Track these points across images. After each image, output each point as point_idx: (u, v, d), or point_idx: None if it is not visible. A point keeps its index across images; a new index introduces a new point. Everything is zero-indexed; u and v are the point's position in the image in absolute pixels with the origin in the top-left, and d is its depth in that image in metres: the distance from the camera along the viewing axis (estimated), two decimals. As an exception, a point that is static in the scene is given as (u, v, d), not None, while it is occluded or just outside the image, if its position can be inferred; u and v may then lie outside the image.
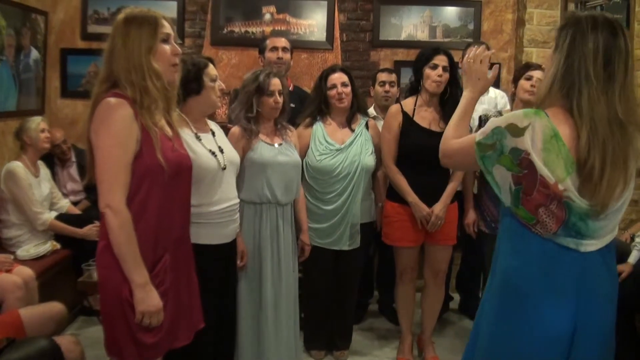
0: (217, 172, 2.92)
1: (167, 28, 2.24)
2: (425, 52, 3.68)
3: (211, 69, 2.97)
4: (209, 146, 2.95)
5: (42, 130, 4.33)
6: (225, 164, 2.97)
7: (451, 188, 3.66)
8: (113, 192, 2.08)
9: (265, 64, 4.19)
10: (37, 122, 4.33)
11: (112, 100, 2.10)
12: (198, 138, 2.93)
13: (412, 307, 3.95)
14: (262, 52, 4.35)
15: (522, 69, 3.81)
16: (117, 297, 2.12)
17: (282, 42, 4.31)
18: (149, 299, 2.12)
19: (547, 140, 1.76)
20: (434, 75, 3.58)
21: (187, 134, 2.82)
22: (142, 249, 2.12)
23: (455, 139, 2.07)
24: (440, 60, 3.59)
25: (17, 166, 4.15)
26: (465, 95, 2.19)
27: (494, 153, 1.85)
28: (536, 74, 3.66)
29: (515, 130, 1.79)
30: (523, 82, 3.70)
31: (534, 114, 1.79)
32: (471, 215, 3.78)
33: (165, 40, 2.22)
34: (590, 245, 1.83)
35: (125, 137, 2.09)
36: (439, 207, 3.61)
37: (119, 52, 2.15)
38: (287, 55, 4.29)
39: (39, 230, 4.20)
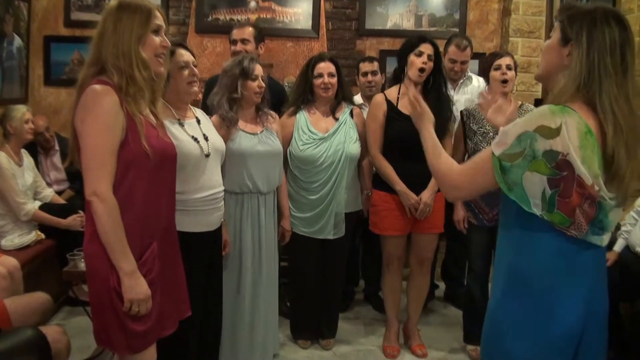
0: (200, 159, 2.91)
1: (160, 20, 2.23)
2: (411, 39, 3.67)
3: (179, 56, 2.92)
4: (192, 132, 2.93)
5: (27, 121, 4.30)
6: (209, 151, 2.96)
7: None
8: (99, 179, 2.07)
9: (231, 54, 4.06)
10: (22, 112, 4.29)
11: (98, 87, 2.09)
12: (181, 124, 2.91)
13: (398, 295, 3.97)
14: (230, 40, 4.18)
15: (489, 59, 3.80)
16: (105, 285, 2.12)
17: (243, 33, 4.05)
18: (137, 287, 2.12)
19: (583, 137, 1.70)
20: (419, 62, 3.56)
21: (169, 121, 2.81)
22: (130, 237, 2.12)
23: (452, 166, 1.98)
24: (426, 48, 3.58)
25: (0, 156, 4.11)
26: (425, 135, 2.17)
27: (523, 161, 1.74)
28: (504, 61, 3.66)
29: (548, 132, 1.71)
30: (494, 74, 3.68)
31: (561, 111, 1.72)
32: (460, 212, 3.79)
33: (156, 31, 2.21)
34: (606, 239, 1.84)
35: (111, 124, 2.09)
36: (427, 195, 3.61)
37: (108, 37, 2.14)
38: (249, 47, 4.03)
39: (22, 220, 4.17)
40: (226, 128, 3.32)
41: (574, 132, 1.69)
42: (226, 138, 3.31)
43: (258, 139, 3.40)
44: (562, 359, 1.83)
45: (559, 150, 1.70)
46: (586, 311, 1.82)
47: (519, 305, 1.86)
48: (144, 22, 2.16)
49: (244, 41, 4.03)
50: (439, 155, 2.06)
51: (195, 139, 2.91)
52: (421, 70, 3.57)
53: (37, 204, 4.32)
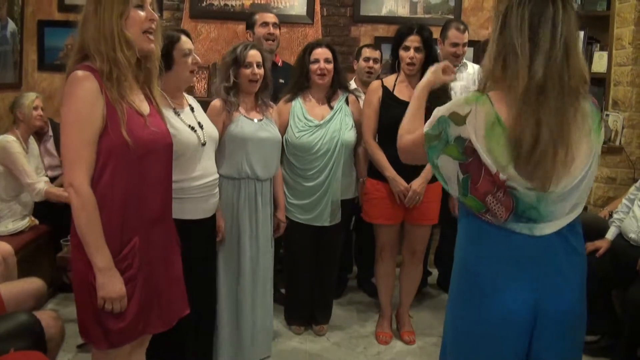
0: (197, 148, 2.92)
1: None
2: (400, 31, 3.67)
3: (184, 43, 2.92)
4: (188, 121, 2.94)
5: (35, 108, 4.33)
6: (205, 139, 2.96)
7: None
8: (75, 170, 2.00)
9: (254, 40, 4.16)
10: (31, 99, 4.33)
11: (79, 73, 2.01)
12: (177, 113, 2.91)
13: (392, 284, 3.99)
14: (250, 27, 4.30)
15: (484, 46, 3.81)
16: (84, 279, 2.07)
17: (272, 17, 4.29)
18: (110, 285, 2.04)
19: (489, 127, 1.73)
20: (406, 58, 3.58)
21: (164, 110, 2.79)
22: (108, 231, 2.04)
23: (409, 133, 2.05)
24: (412, 41, 3.57)
25: (11, 140, 4.12)
26: (419, 86, 2.22)
27: (439, 143, 1.83)
28: None
29: (458, 119, 1.77)
30: None
31: (475, 100, 1.77)
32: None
33: (140, 5, 2.11)
34: (546, 228, 1.79)
35: (88, 112, 2.00)
36: (417, 183, 3.61)
37: (90, 21, 2.05)
38: (278, 31, 4.28)
39: (35, 200, 4.17)
40: (227, 112, 3.32)
41: (481, 122, 1.74)
42: (228, 122, 3.32)
43: (259, 125, 3.39)
44: (499, 350, 1.83)
45: (465, 137, 1.76)
46: (534, 303, 1.79)
47: (457, 290, 1.95)
48: None
49: (275, 25, 4.27)
50: (411, 113, 2.14)
51: (192, 128, 2.92)
52: (409, 64, 3.57)
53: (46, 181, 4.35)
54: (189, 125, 2.91)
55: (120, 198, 2.09)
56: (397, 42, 3.65)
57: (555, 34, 1.71)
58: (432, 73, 2.24)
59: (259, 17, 4.26)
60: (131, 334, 2.18)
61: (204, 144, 2.95)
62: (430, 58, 3.61)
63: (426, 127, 1.87)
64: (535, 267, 1.80)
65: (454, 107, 1.79)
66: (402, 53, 3.61)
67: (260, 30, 4.21)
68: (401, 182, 3.60)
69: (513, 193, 1.74)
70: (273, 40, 4.21)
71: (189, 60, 2.93)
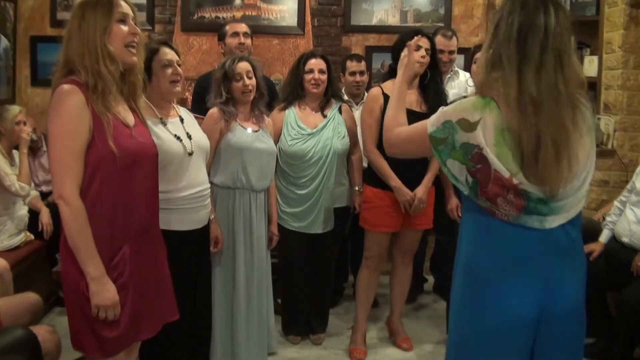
0: (184, 158, 2.91)
1: (125, 8, 2.17)
2: (407, 34, 3.63)
3: (163, 54, 2.93)
4: (175, 131, 2.94)
5: (18, 123, 4.29)
6: (192, 149, 2.96)
7: (433, 171, 3.63)
8: (65, 182, 2.04)
9: (225, 51, 4.15)
10: (13, 113, 4.30)
11: (65, 87, 2.05)
12: (163, 123, 2.92)
13: (372, 294, 3.96)
14: (221, 38, 4.27)
15: (473, 52, 3.85)
16: (75, 290, 2.09)
17: (242, 27, 4.24)
18: (103, 292, 2.07)
19: (499, 134, 1.72)
20: (417, 57, 3.54)
21: (151, 120, 2.81)
22: (98, 241, 2.08)
23: (398, 127, 2.05)
24: (423, 42, 3.56)
25: None
26: (398, 81, 2.22)
27: (446, 147, 1.81)
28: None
29: (467, 125, 1.76)
30: (473, 67, 3.80)
31: (484, 105, 1.75)
32: (454, 201, 3.79)
33: (123, 20, 2.15)
34: (554, 221, 1.80)
35: (75, 125, 2.04)
36: (421, 191, 3.60)
37: (74, 36, 2.10)
38: (249, 41, 4.22)
39: (24, 198, 4.18)
40: (225, 121, 3.34)
41: (490, 129, 1.73)
42: (225, 131, 3.34)
43: (255, 136, 3.41)
44: (506, 350, 1.83)
45: (474, 144, 1.75)
46: (539, 299, 1.80)
47: (463, 290, 1.92)
48: (107, 14, 2.11)
49: (245, 34, 4.19)
50: (394, 110, 2.12)
51: (178, 138, 2.92)
52: (420, 64, 3.50)
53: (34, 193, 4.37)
54: (175, 135, 2.92)
55: (109, 208, 2.12)
56: (403, 45, 3.62)
57: (546, 44, 1.73)
58: (404, 67, 2.28)
59: (229, 28, 4.23)
60: (125, 341, 2.20)
61: (190, 154, 2.95)
62: (433, 65, 3.63)
63: (430, 128, 1.85)
64: (543, 263, 1.81)
65: (462, 113, 1.78)
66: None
67: (230, 41, 4.17)
68: (407, 191, 3.58)
69: (525, 194, 1.75)
70: (244, 50, 4.17)
71: (169, 71, 2.92)
